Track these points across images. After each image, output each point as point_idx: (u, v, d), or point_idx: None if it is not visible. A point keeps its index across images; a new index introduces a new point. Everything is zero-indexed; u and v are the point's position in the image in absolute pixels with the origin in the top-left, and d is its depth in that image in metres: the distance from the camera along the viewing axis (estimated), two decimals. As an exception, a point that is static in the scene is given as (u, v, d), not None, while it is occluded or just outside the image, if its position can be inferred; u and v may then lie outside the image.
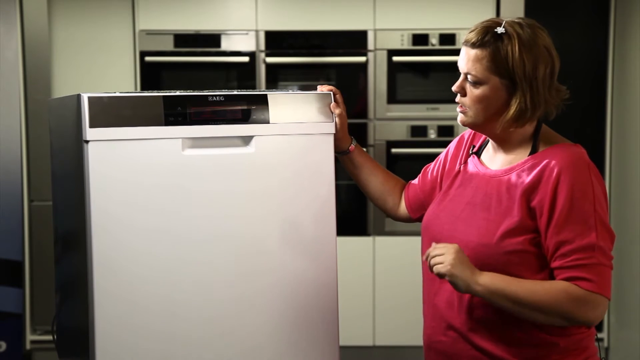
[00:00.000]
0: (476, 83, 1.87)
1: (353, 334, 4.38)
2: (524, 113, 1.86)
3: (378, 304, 4.46)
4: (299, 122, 2.05)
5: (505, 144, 1.94)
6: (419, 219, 2.17)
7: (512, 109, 1.86)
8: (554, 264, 1.82)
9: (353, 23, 4.42)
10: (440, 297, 1.96)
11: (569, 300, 1.79)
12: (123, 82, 4.39)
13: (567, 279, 1.80)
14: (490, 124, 1.91)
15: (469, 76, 1.88)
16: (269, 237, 2.02)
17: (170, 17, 4.39)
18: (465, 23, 4.34)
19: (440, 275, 1.84)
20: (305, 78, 4.50)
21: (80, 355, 2.00)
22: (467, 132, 2.12)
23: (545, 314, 1.82)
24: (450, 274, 1.82)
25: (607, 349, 4.50)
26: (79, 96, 1.88)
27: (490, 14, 4.30)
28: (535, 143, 1.91)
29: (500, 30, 1.85)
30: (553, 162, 1.83)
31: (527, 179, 1.85)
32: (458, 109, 1.94)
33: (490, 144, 2.00)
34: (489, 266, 1.85)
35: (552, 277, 1.85)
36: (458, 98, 1.93)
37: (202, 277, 1.97)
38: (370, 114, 4.42)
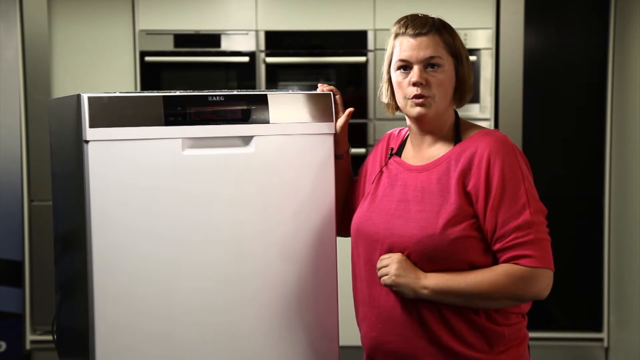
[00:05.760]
0: (438, 67, 1.94)
1: (353, 334, 4.37)
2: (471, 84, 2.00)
3: (378, 304, 4.45)
4: (299, 122, 2.05)
5: (433, 135, 1.99)
6: None
7: (470, 78, 1.98)
8: (495, 247, 1.88)
9: (353, 23, 4.41)
10: (388, 298, 1.96)
11: (512, 281, 1.85)
12: (123, 82, 4.39)
13: (509, 259, 1.86)
14: (448, 109, 1.98)
15: (432, 61, 1.94)
16: (268, 236, 2.02)
17: (170, 17, 4.39)
18: (465, 23, 4.34)
19: (388, 286, 1.92)
20: (305, 78, 4.50)
21: (80, 355, 2.00)
22: (382, 139, 2.15)
23: (495, 300, 1.88)
24: (396, 284, 1.91)
25: (607, 349, 4.50)
26: (79, 96, 1.88)
27: (490, 14, 4.30)
28: (457, 133, 1.97)
29: (436, 18, 1.99)
30: (481, 148, 1.90)
31: (458, 166, 1.90)
32: (415, 102, 1.96)
33: (410, 143, 2.05)
34: (436, 256, 1.88)
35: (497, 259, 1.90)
36: (418, 90, 1.94)
37: (202, 276, 1.97)
38: (370, 114, 4.42)
